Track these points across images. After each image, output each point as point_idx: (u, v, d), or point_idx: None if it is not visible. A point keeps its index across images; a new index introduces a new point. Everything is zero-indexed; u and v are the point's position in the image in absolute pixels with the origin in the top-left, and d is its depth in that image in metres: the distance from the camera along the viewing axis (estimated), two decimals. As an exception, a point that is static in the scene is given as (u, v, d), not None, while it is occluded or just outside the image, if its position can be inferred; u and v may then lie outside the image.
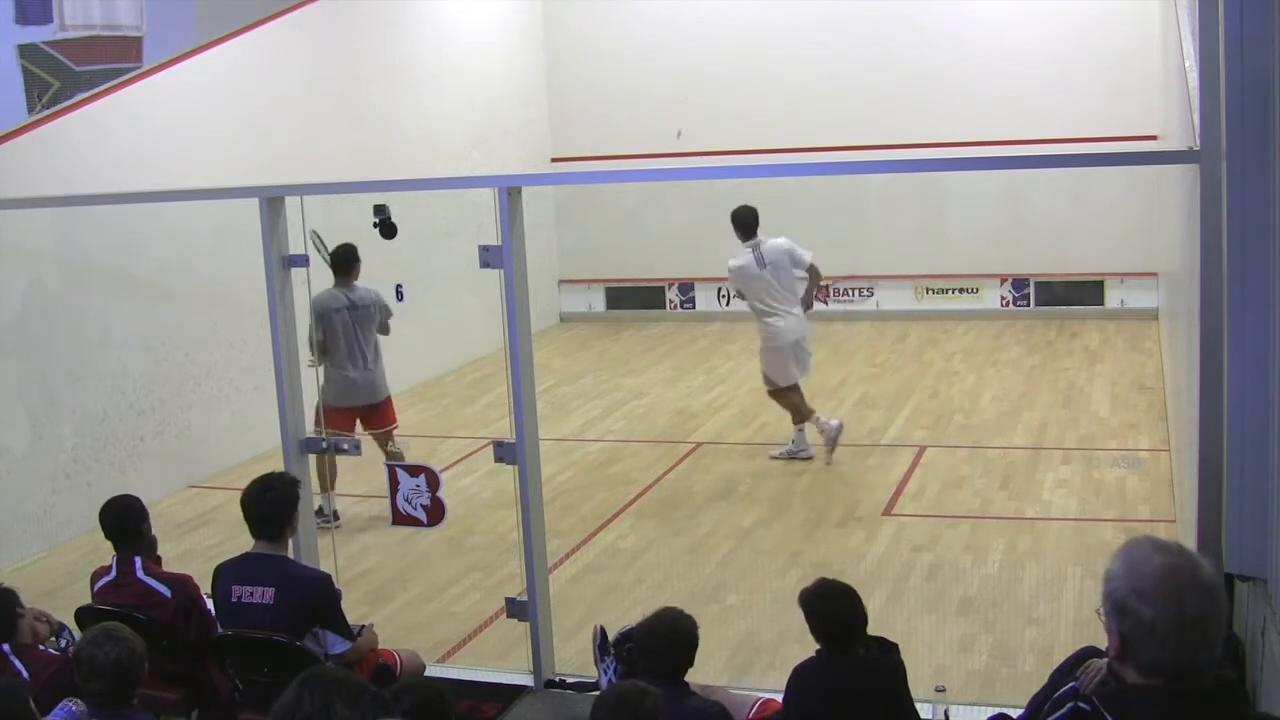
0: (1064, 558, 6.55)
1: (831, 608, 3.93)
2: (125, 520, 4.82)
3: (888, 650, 3.99)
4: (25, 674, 4.10)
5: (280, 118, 10.00)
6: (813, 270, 8.59)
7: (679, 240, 14.12)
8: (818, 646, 3.98)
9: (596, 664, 4.85)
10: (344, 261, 7.69)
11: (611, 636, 4.84)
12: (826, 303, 13.94)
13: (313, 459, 6.36)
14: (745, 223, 8.44)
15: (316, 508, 6.77)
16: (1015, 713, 3.63)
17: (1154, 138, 11.31)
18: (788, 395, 8.64)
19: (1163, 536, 2.54)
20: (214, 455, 9.07)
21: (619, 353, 12.88)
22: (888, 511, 7.61)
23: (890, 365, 11.65)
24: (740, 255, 8.47)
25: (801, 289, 8.63)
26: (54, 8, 10.46)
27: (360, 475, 7.86)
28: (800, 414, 8.62)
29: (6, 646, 4.18)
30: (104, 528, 4.84)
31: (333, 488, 7.58)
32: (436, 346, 11.92)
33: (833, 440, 8.48)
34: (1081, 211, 12.89)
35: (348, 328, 7.63)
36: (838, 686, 3.86)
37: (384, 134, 11.34)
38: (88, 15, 10.65)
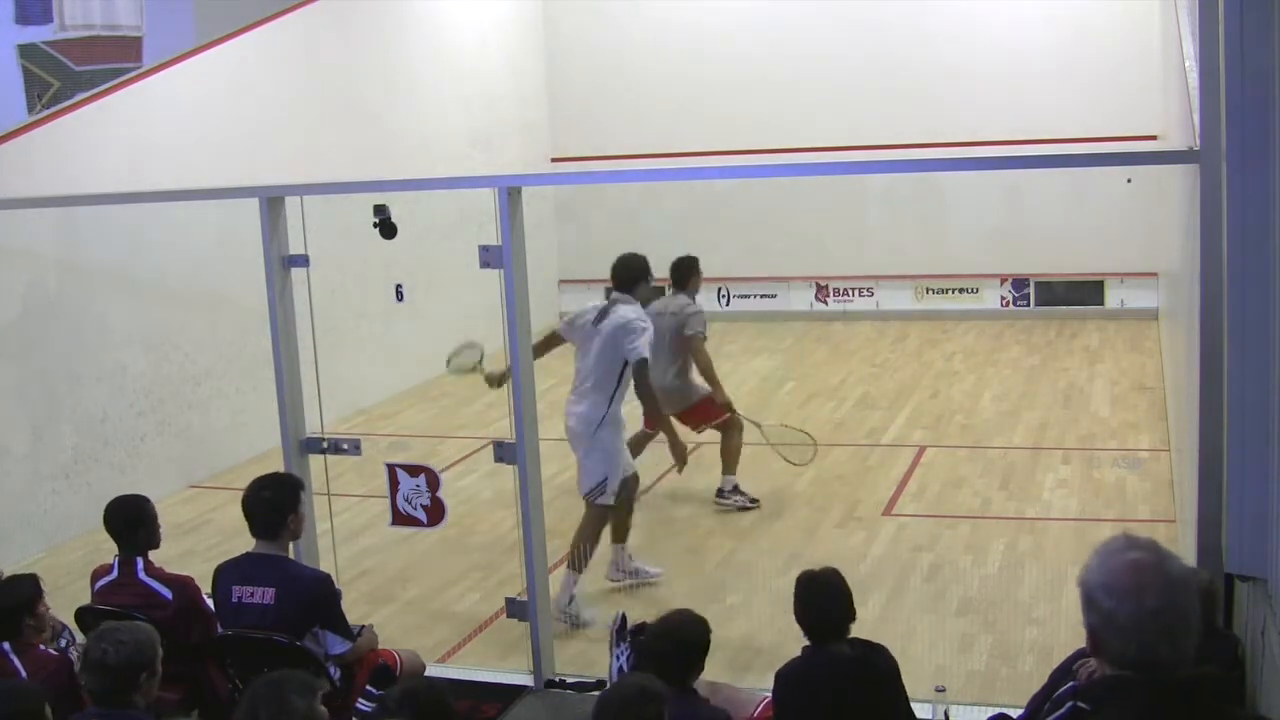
0: (1064, 558, 6.53)
1: (817, 599, 3.91)
2: (129, 520, 4.81)
3: (874, 650, 3.97)
4: (24, 673, 4.09)
5: (280, 118, 9.99)
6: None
7: (679, 240, 14.05)
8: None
9: (611, 649, 4.82)
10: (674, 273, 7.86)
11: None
12: (827, 302, 13.97)
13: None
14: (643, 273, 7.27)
15: None
16: (1015, 713, 3.63)
17: (1154, 138, 11.31)
18: None
19: (1160, 537, 2.55)
20: (214, 455, 9.07)
21: (619, 353, 12.85)
22: (888, 511, 7.61)
23: (890, 365, 11.64)
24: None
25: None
26: (54, 8, 10.48)
27: (361, 475, 7.86)
28: None
29: (7, 645, 4.17)
30: (108, 526, 4.82)
31: None
32: (437, 346, 11.88)
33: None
34: (1081, 211, 12.87)
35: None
36: (829, 684, 3.84)
37: (384, 134, 11.32)
38: (88, 15, 10.67)
